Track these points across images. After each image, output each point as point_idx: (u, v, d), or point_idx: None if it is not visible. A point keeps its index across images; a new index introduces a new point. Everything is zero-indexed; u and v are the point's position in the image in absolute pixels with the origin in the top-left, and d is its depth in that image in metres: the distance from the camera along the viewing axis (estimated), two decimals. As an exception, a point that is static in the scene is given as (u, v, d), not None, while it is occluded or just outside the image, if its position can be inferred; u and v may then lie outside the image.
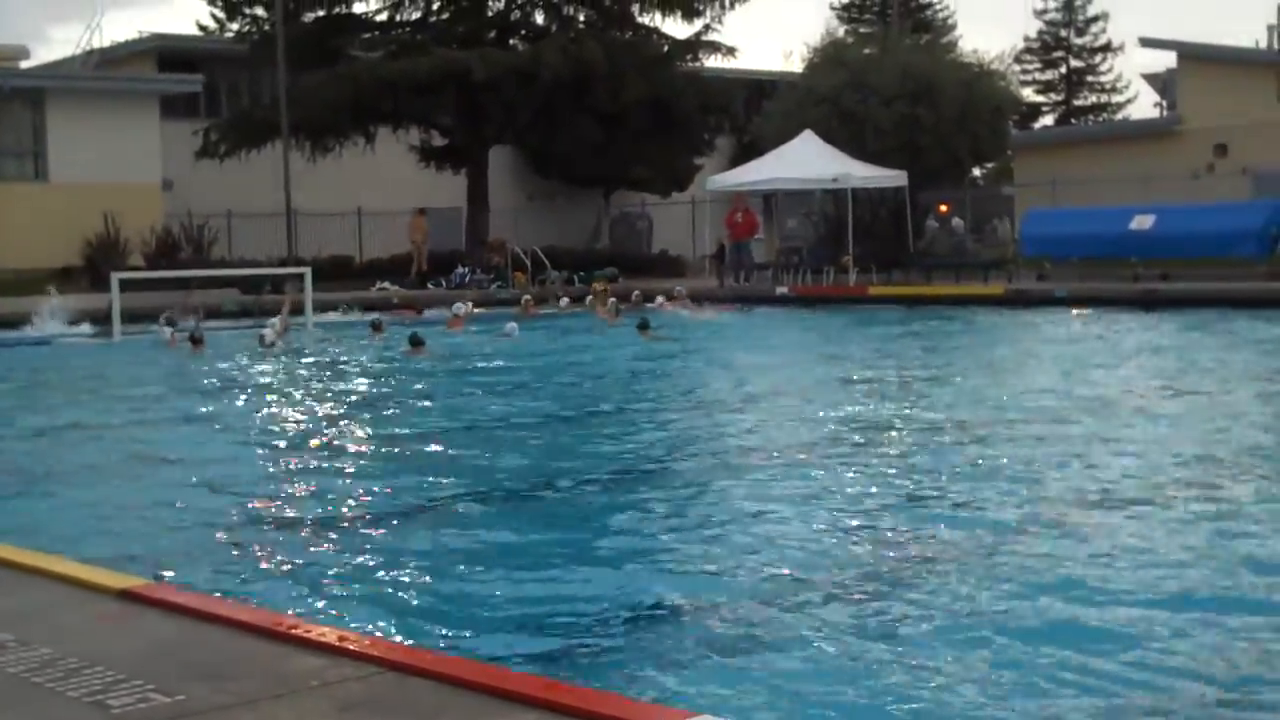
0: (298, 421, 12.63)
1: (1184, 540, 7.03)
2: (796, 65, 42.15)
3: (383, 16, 38.13)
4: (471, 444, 11.29)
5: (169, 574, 6.52)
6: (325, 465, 10.05)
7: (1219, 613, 5.78)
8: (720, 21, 38.21)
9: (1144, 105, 68.34)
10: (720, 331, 23.19)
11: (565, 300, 28.10)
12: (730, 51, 38.37)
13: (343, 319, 26.12)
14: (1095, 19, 62.75)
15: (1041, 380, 14.50)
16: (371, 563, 6.99)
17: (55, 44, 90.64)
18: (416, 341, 18.77)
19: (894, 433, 11.07)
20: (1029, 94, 59.84)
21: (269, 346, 19.81)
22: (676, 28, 38.92)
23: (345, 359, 19.16)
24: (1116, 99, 62.95)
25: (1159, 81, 44.72)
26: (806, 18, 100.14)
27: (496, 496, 8.85)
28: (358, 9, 38.00)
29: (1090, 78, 63.42)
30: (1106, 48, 62.85)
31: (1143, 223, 28.70)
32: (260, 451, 10.87)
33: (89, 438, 11.88)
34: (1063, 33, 63.13)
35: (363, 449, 10.89)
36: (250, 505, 8.55)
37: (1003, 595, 6.12)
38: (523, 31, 38.00)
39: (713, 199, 35.07)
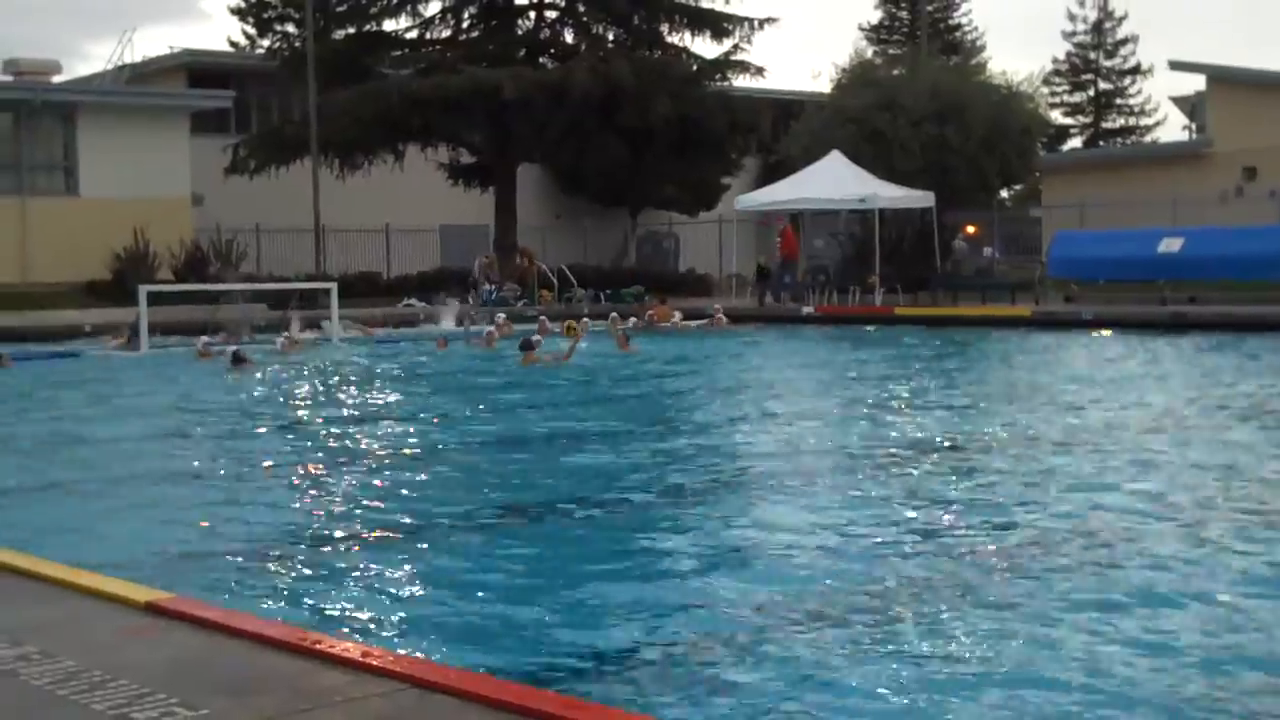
0: (323, 436, 12.65)
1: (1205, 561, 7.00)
2: (825, 85, 42.34)
3: (413, 34, 38.40)
4: (495, 461, 11.30)
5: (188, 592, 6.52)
6: (350, 481, 10.06)
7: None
8: (749, 41, 38.33)
9: (1173, 128, 68.11)
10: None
11: (587, 319, 28.03)
12: (759, 71, 38.49)
13: (358, 335, 26.12)
14: (1124, 41, 62.73)
15: (1067, 402, 14.43)
16: (395, 579, 7.00)
17: (91, 59, 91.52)
18: (527, 346, 19.19)
19: (912, 454, 11.03)
20: (1057, 116, 59.88)
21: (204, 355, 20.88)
22: (705, 47, 39.04)
23: (370, 373, 19.21)
24: (1145, 122, 62.94)
25: (1188, 104, 44.59)
26: (835, 38, 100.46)
27: (520, 514, 8.85)
28: (388, 27, 38.34)
29: (1119, 100, 63.35)
30: (1135, 70, 62.79)
31: (1171, 245, 28.59)
32: (287, 466, 10.89)
33: (115, 450, 11.92)
34: (1092, 55, 63.07)
35: (387, 464, 10.89)
36: (278, 520, 8.56)
37: (1023, 617, 6.09)
38: (552, 50, 38.17)
39: (740, 218, 35.09)
